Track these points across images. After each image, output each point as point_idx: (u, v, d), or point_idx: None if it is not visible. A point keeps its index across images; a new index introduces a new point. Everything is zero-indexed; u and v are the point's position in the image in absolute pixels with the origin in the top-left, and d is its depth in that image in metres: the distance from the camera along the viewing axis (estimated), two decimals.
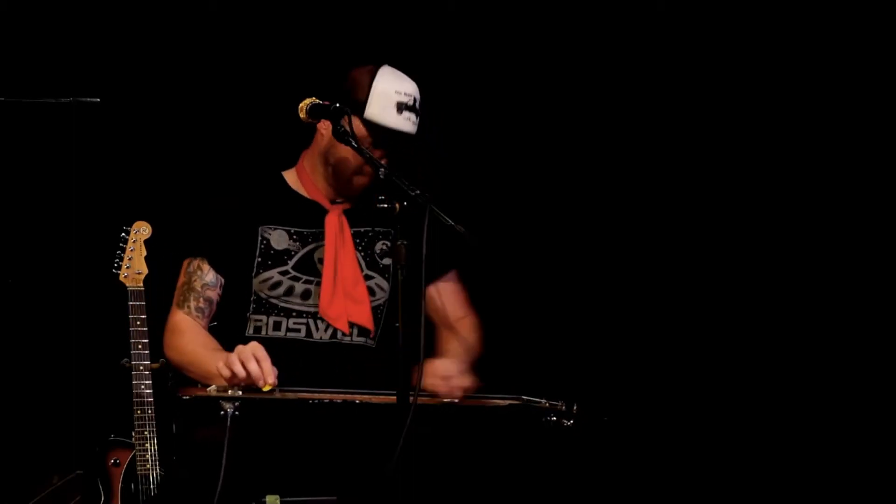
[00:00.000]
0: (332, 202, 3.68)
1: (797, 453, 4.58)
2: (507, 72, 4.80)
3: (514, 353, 4.57)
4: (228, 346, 3.47)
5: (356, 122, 3.53)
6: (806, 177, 4.67)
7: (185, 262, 3.66)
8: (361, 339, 3.60)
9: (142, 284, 4.12)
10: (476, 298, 4.67)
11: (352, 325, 3.60)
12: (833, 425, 4.57)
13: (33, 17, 4.52)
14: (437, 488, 3.17)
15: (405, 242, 3.05)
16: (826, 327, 4.62)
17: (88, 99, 3.44)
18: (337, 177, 3.63)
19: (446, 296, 3.78)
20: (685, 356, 4.69)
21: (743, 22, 4.69)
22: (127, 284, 4.12)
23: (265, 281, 3.58)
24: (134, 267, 4.13)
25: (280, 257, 3.60)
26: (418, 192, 3.12)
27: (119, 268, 4.13)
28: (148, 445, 4.05)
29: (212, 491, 3.05)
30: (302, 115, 3.49)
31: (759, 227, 4.70)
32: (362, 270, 3.64)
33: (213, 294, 3.61)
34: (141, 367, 4.06)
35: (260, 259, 3.59)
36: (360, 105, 3.58)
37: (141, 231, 4.17)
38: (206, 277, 3.61)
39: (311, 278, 3.61)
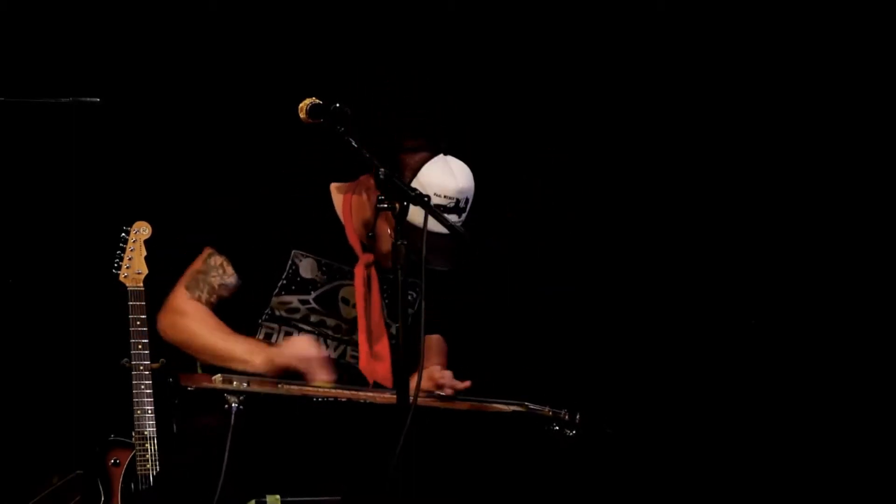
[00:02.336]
0: (364, 250, 3.60)
1: (801, 467, 4.57)
2: (506, 72, 4.80)
3: (519, 361, 4.57)
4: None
5: (385, 205, 3.29)
6: (806, 177, 4.67)
7: (207, 252, 3.56)
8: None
9: (142, 284, 4.12)
10: (478, 306, 4.69)
11: (354, 341, 3.56)
12: (839, 443, 4.55)
13: (33, 17, 4.52)
14: (439, 491, 3.16)
15: (405, 242, 3.04)
16: (825, 327, 4.61)
17: (88, 99, 3.43)
18: (370, 242, 3.56)
19: (428, 347, 3.72)
20: (690, 371, 4.68)
21: (743, 21, 4.69)
22: (127, 284, 4.12)
23: (284, 303, 3.55)
24: (134, 267, 4.13)
25: (305, 286, 3.56)
26: (418, 192, 3.12)
27: (119, 268, 4.14)
28: (148, 445, 4.05)
29: (212, 482, 3.04)
30: (302, 115, 3.47)
31: (759, 239, 4.70)
32: (384, 319, 3.60)
33: (226, 294, 3.56)
34: (141, 367, 4.06)
35: (285, 282, 3.54)
36: (396, 172, 3.35)
37: (141, 231, 4.17)
38: (226, 279, 3.55)
39: (330, 314, 3.58)
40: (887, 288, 4.59)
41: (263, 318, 3.57)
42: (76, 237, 4.54)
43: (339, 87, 3.70)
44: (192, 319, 3.51)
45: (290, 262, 3.56)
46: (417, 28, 4.75)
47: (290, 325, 3.56)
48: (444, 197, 3.46)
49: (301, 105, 3.46)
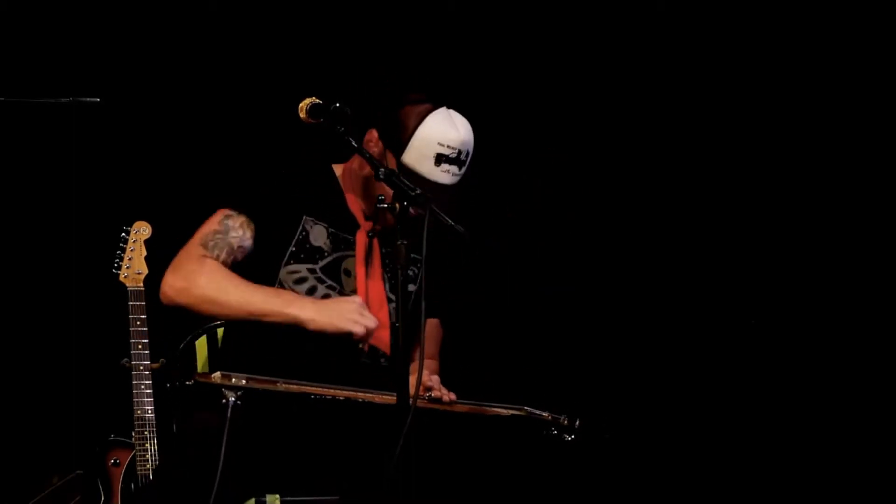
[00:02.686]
0: (366, 218, 3.60)
1: (801, 472, 4.56)
2: (505, 72, 4.80)
3: (517, 365, 4.57)
4: (237, 330, 3.46)
5: (391, 160, 3.46)
6: (806, 177, 4.67)
7: (223, 213, 3.48)
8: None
9: (142, 284, 4.12)
10: (477, 310, 4.69)
11: (372, 347, 3.55)
12: (840, 446, 4.55)
13: (33, 17, 4.52)
14: (437, 494, 3.16)
15: (405, 242, 3.04)
16: (825, 328, 4.61)
17: (88, 99, 3.43)
18: (370, 205, 3.55)
19: (428, 331, 3.72)
20: (690, 376, 4.68)
21: (743, 21, 4.69)
22: (127, 284, 4.13)
23: (292, 273, 3.52)
24: (134, 267, 4.13)
25: (312, 255, 3.54)
26: (418, 191, 3.12)
27: (119, 268, 4.14)
28: (148, 445, 4.06)
29: (210, 479, 3.03)
30: (302, 114, 3.47)
31: (759, 230, 4.70)
32: (386, 291, 3.60)
33: (241, 258, 3.47)
34: (141, 367, 4.06)
35: (294, 249, 3.52)
36: (399, 146, 3.46)
37: (141, 231, 4.17)
38: (245, 242, 3.47)
39: (334, 285, 3.57)
40: (887, 288, 4.59)
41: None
42: (76, 237, 4.54)
43: (339, 88, 3.70)
44: (215, 274, 3.41)
45: (300, 227, 3.54)
46: (416, 28, 4.75)
47: None
48: (448, 147, 3.46)
49: (301, 105, 3.46)
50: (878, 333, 4.58)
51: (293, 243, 3.52)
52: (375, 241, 3.56)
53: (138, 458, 4.08)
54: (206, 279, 3.41)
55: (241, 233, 3.49)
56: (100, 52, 4.53)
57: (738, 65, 4.71)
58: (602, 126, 4.80)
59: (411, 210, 3.11)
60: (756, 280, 4.70)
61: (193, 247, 3.46)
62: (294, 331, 3.38)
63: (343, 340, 3.36)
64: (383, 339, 3.48)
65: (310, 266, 3.53)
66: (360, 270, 3.52)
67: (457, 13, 4.77)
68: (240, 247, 3.48)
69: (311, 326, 3.31)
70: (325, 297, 3.49)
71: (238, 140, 4.57)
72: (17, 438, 4.49)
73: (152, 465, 4.06)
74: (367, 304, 3.46)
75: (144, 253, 4.15)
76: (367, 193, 3.53)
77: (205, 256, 3.44)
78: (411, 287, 3.57)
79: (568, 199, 4.82)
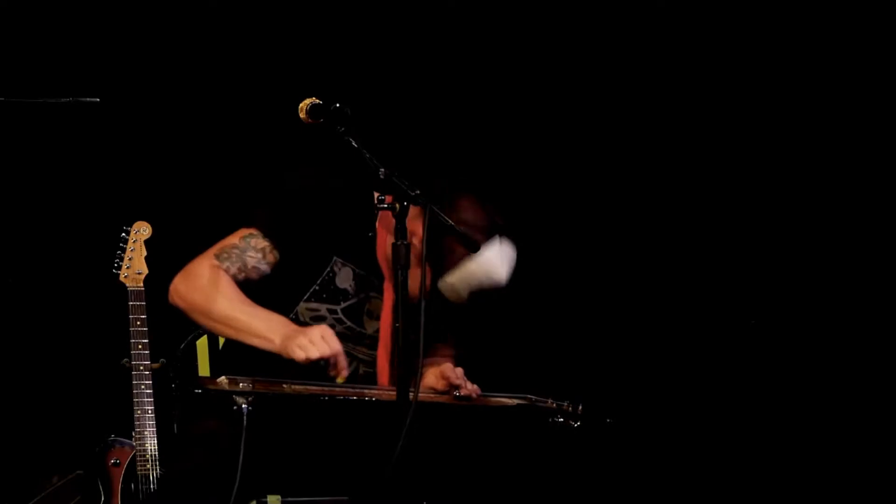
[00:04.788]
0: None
1: (798, 453, 4.58)
2: (501, 70, 4.80)
3: (520, 353, 4.57)
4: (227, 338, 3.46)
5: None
6: (806, 177, 4.67)
7: (248, 231, 3.46)
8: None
9: (142, 284, 4.12)
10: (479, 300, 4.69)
11: (370, 357, 3.54)
12: (833, 425, 4.56)
13: (33, 16, 4.52)
14: (444, 486, 3.16)
15: (405, 242, 3.04)
16: (826, 327, 4.62)
17: (88, 99, 3.43)
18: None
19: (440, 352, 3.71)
20: (688, 358, 4.69)
21: (741, 21, 4.69)
22: (127, 284, 4.12)
23: (311, 310, 3.50)
24: (134, 267, 4.13)
25: (335, 296, 3.52)
26: (418, 192, 3.12)
27: (119, 268, 4.13)
28: (148, 445, 4.05)
29: (218, 486, 3.03)
30: (302, 115, 3.46)
31: (760, 228, 4.70)
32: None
33: (254, 278, 3.45)
34: (141, 367, 4.06)
35: (318, 288, 3.50)
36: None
37: (141, 231, 4.17)
38: (262, 264, 3.45)
39: (353, 327, 3.56)
40: (887, 288, 4.59)
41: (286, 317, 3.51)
42: (76, 237, 4.54)
43: (339, 88, 3.70)
44: (214, 285, 3.39)
45: (328, 268, 3.52)
46: (413, 31, 4.75)
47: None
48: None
49: (301, 105, 3.46)
50: (878, 333, 4.58)
51: (318, 282, 3.51)
52: None
53: (138, 458, 4.07)
54: (203, 287, 3.41)
55: (259, 255, 3.46)
56: (100, 52, 4.53)
57: (737, 64, 4.71)
58: (603, 126, 4.80)
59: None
60: (757, 277, 4.71)
61: (207, 255, 3.46)
62: None
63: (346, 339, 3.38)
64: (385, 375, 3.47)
65: (330, 307, 3.52)
66: (385, 319, 3.49)
67: (457, 10, 4.77)
68: (254, 267, 3.47)
69: (276, 352, 3.29)
70: (343, 335, 3.43)
71: (269, 155, 4.54)
72: (17, 438, 4.49)
73: (152, 465, 4.06)
74: (386, 350, 3.43)
75: (144, 253, 4.15)
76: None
77: (215, 266, 3.43)
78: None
79: (573, 194, 4.82)
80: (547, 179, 4.84)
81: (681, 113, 4.75)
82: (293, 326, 3.34)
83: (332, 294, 3.51)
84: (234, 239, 3.47)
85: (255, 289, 3.46)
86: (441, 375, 3.42)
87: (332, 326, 3.43)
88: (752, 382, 4.64)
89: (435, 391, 3.40)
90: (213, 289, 3.40)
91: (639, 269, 4.77)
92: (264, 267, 3.47)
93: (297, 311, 3.51)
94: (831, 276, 4.64)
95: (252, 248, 3.46)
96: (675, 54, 4.74)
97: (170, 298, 3.47)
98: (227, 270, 3.43)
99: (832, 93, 4.63)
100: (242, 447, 3.01)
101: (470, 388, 3.36)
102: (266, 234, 3.47)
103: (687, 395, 4.67)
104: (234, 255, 3.45)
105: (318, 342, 3.22)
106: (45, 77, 4.40)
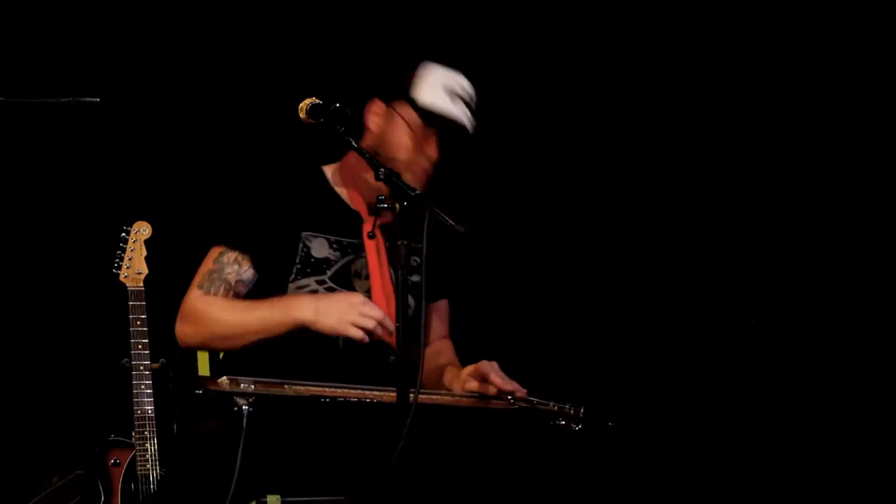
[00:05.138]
0: (371, 213, 3.59)
1: (800, 457, 4.57)
2: (501, 69, 4.80)
3: (520, 355, 4.57)
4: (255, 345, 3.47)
5: (406, 109, 3.50)
6: (806, 177, 4.67)
7: (218, 251, 3.51)
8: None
9: (142, 284, 4.12)
10: (480, 301, 4.69)
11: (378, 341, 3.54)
12: (834, 430, 4.56)
13: (33, 16, 4.52)
14: (445, 489, 3.16)
15: (405, 242, 3.04)
16: (826, 327, 4.61)
17: (88, 99, 3.43)
18: (396, 164, 3.53)
19: (437, 313, 3.74)
20: (690, 360, 4.69)
21: (744, 20, 4.69)
22: (127, 284, 4.12)
23: (301, 288, 3.51)
24: (134, 267, 4.13)
25: (319, 266, 3.54)
26: (418, 191, 3.12)
27: (119, 268, 4.14)
28: (148, 445, 4.06)
29: (219, 487, 3.03)
30: (302, 115, 3.47)
31: (760, 228, 4.70)
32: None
33: (243, 291, 3.50)
34: (141, 367, 4.06)
35: (299, 265, 3.52)
36: (411, 88, 3.51)
37: (141, 231, 4.17)
38: (243, 274, 3.49)
39: (346, 291, 3.57)
40: (887, 288, 4.59)
41: None
42: (76, 237, 4.54)
43: (338, 88, 3.70)
44: (210, 310, 3.43)
45: (301, 244, 3.54)
46: (408, 28, 4.75)
47: None
48: (456, 83, 3.56)
49: (301, 105, 3.47)
50: (878, 333, 4.58)
51: (297, 261, 3.52)
52: (381, 240, 3.55)
53: (138, 458, 4.07)
54: (202, 318, 3.44)
55: (236, 267, 3.50)
56: (100, 52, 4.53)
57: (737, 64, 4.71)
58: (604, 125, 4.80)
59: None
60: (758, 280, 4.71)
61: (192, 291, 3.49)
62: (296, 332, 3.39)
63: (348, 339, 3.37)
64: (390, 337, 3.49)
65: (318, 278, 3.53)
66: (374, 273, 3.52)
67: (457, 9, 4.77)
68: (238, 281, 3.50)
69: (316, 328, 3.31)
70: None
71: (230, 158, 4.56)
72: (17, 438, 4.49)
73: (152, 465, 4.06)
74: (385, 302, 3.46)
75: (144, 253, 4.15)
76: (369, 186, 3.51)
77: (202, 296, 3.46)
78: (415, 277, 3.56)
79: (574, 194, 4.83)
80: (550, 182, 4.84)
81: (681, 113, 4.75)
82: (311, 297, 3.37)
83: (314, 266, 3.53)
84: (208, 263, 3.51)
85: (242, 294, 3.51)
86: (479, 373, 3.41)
87: None
88: (754, 384, 4.63)
89: (481, 395, 3.40)
90: (212, 313, 3.44)
91: (640, 271, 4.77)
92: (247, 275, 3.51)
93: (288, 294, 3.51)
94: (831, 276, 4.64)
95: (227, 265, 3.50)
96: (674, 54, 4.74)
97: (181, 343, 3.49)
98: (214, 295, 3.47)
99: (832, 93, 4.63)
100: (241, 448, 3.01)
101: (514, 387, 3.37)
102: (232, 246, 3.50)
103: (689, 397, 4.66)
104: (215, 279, 3.49)
105: (367, 312, 3.25)
106: (45, 77, 4.40)
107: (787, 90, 4.67)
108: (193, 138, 4.66)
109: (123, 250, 4.14)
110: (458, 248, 3.64)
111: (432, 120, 3.52)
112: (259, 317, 3.38)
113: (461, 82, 3.57)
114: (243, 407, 3.03)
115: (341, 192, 3.64)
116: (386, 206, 3.09)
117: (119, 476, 4.13)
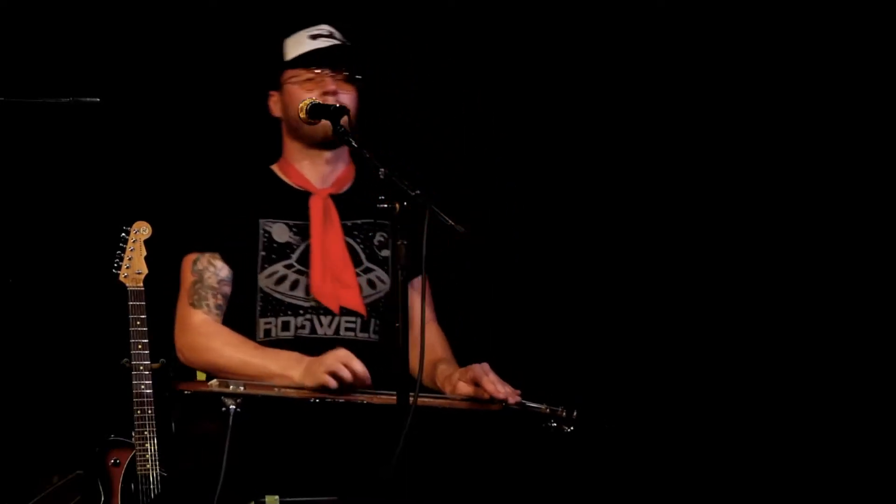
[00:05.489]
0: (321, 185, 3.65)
1: (796, 458, 4.57)
2: (502, 69, 4.80)
3: (513, 357, 4.56)
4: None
5: (285, 75, 3.60)
6: (806, 176, 4.67)
7: (190, 260, 3.56)
8: (365, 335, 3.58)
9: (142, 284, 4.12)
10: (476, 301, 4.69)
11: (345, 310, 3.55)
12: (833, 429, 4.56)
13: (33, 16, 4.52)
14: (435, 493, 3.16)
15: (405, 242, 3.04)
16: (826, 330, 4.61)
17: (88, 99, 3.43)
18: (301, 130, 3.59)
19: (415, 291, 3.73)
20: (686, 362, 4.68)
21: (744, 20, 4.69)
22: (127, 284, 4.13)
23: (271, 276, 3.54)
24: (134, 267, 4.13)
25: (283, 251, 3.57)
26: (418, 192, 3.12)
27: (119, 268, 4.14)
28: (148, 445, 4.06)
29: (212, 487, 3.04)
30: (302, 115, 3.49)
31: (757, 231, 4.69)
32: (363, 263, 3.61)
33: (228, 290, 3.54)
34: (141, 367, 4.06)
35: (264, 253, 3.55)
36: (282, 58, 3.62)
37: (141, 231, 4.17)
38: (220, 273, 3.53)
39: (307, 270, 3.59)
40: (887, 288, 4.59)
41: (258, 311, 3.55)
42: (76, 237, 4.54)
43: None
44: (213, 339, 3.48)
45: (261, 231, 3.56)
46: (400, 28, 4.75)
47: (285, 309, 3.53)
48: (315, 29, 3.67)
49: (301, 105, 3.48)
50: (878, 333, 4.58)
51: (261, 248, 3.54)
52: (331, 205, 3.58)
53: (138, 458, 4.08)
54: (204, 344, 3.48)
55: (212, 269, 3.54)
56: (100, 52, 4.53)
57: (736, 64, 4.70)
58: (606, 124, 4.80)
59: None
60: (754, 280, 4.71)
61: (184, 308, 3.53)
62: (304, 341, 3.46)
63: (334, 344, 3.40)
64: (353, 300, 3.52)
65: (285, 262, 3.56)
66: (314, 235, 3.54)
67: (456, 9, 4.77)
68: (220, 281, 3.54)
69: (303, 382, 3.32)
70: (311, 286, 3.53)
71: (223, 157, 4.58)
72: (17, 438, 4.49)
73: (152, 465, 4.06)
74: (326, 266, 3.50)
75: (144, 253, 4.15)
76: (302, 149, 3.61)
77: (197, 312, 3.51)
78: (385, 253, 3.59)
79: (569, 193, 4.82)
80: (550, 182, 4.83)
81: (681, 113, 4.75)
82: (307, 357, 3.38)
83: (279, 251, 3.55)
84: (187, 275, 3.55)
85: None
86: (471, 378, 3.42)
87: (296, 281, 3.53)
88: (750, 385, 4.63)
89: (474, 399, 3.41)
90: (214, 346, 3.47)
91: (635, 270, 4.77)
92: (224, 273, 3.55)
93: (260, 288, 3.53)
94: (831, 276, 4.64)
95: (204, 270, 3.54)
96: (674, 54, 4.74)
97: (181, 360, 3.54)
98: (208, 312, 3.52)
99: (832, 93, 4.62)
100: (227, 449, 3.02)
101: (507, 391, 3.37)
102: (201, 249, 3.55)
103: (685, 399, 4.66)
104: (200, 290, 3.53)
105: (344, 359, 3.26)
106: (45, 77, 4.40)
107: (786, 90, 4.67)
108: (194, 139, 4.66)
109: (123, 250, 4.14)
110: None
111: (305, 60, 3.58)
112: (258, 365, 3.40)
113: (321, 27, 3.66)
114: (230, 407, 3.04)
115: (288, 179, 3.67)
116: (386, 206, 3.10)
117: (119, 476, 4.14)
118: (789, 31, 4.65)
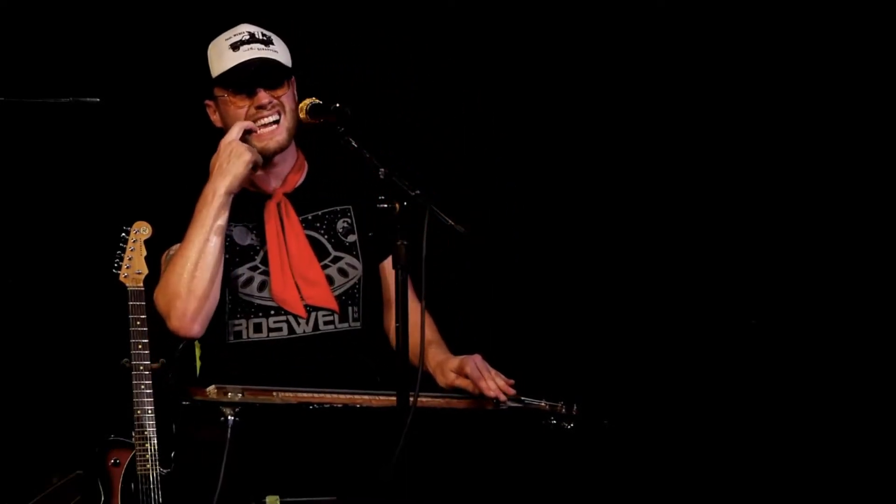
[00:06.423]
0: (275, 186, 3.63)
1: (796, 457, 4.57)
2: (502, 69, 4.80)
3: (513, 353, 4.56)
4: (210, 357, 3.52)
5: (218, 94, 3.60)
6: (806, 176, 4.67)
7: (164, 256, 3.58)
8: (345, 325, 3.55)
9: (142, 284, 4.12)
10: (476, 298, 4.69)
11: (312, 308, 3.53)
12: (832, 429, 4.56)
13: (33, 16, 4.52)
14: (436, 491, 3.16)
15: (405, 242, 3.04)
16: (826, 327, 4.61)
17: (88, 99, 3.43)
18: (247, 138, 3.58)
19: (389, 273, 3.71)
20: (688, 358, 4.69)
21: (744, 20, 4.69)
22: (127, 284, 4.12)
23: (237, 278, 3.53)
24: (134, 267, 4.13)
25: (247, 253, 3.55)
26: (418, 192, 3.11)
27: (119, 268, 4.13)
28: (148, 445, 4.05)
29: (212, 490, 3.04)
30: (302, 115, 3.48)
31: (760, 227, 4.70)
32: (330, 253, 3.59)
33: None
34: (141, 367, 4.06)
35: (228, 256, 3.53)
36: (210, 76, 3.61)
37: (141, 231, 4.17)
38: None
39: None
40: (887, 288, 4.59)
41: (227, 312, 3.53)
42: (76, 237, 4.54)
43: (335, 87, 3.71)
44: (163, 277, 3.50)
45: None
46: (417, 26, 4.75)
47: (255, 310, 3.51)
48: (235, 35, 3.64)
49: (301, 105, 3.47)
50: (878, 333, 4.58)
51: (225, 252, 3.52)
52: (287, 205, 3.57)
53: (138, 458, 4.07)
54: (166, 285, 3.47)
55: None
56: (100, 52, 4.53)
57: (736, 64, 4.71)
58: (604, 127, 4.81)
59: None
60: (755, 277, 4.71)
61: (158, 285, 3.55)
62: (281, 343, 3.44)
63: (331, 344, 3.39)
64: (322, 297, 3.50)
65: (250, 265, 3.55)
66: (270, 240, 3.53)
67: (456, 9, 4.77)
68: None
69: (232, 188, 3.42)
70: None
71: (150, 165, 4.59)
72: (17, 438, 4.49)
73: (152, 465, 4.06)
74: (285, 269, 3.50)
75: (144, 253, 4.15)
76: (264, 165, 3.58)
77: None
78: (351, 238, 3.58)
79: (569, 192, 4.83)
80: (549, 182, 4.84)
81: (680, 113, 4.75)
82: (214, 166, 3.51)
83: (242, 254, 3.54)
84: (161, 266, 3.58)
85: None
86: (460, 370, 3.42)
87: (264, 281, 3.52)
88: (752, 384, 4.64)
89: (468, 395, 3.40)
90: (166, 277, 3.48)
91: (636, 267, 4.77)
92: None
93: (228, 290, 3.51)
94: (831, 276, 4.64)
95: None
96: (674, 54, 4.74)
97: (180, 331, 3.49)
98: None
99: (832, 93, 4.63)
100: (225, 459, 3.01)
101: (502, 385, 3.36)
102: (172, 242, 3.54)
103: (686, 396, 4.66)
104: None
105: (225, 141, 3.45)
106: (45, 77, 4.40)
107: (786, 90, 4.68)
108: (194, 139, 4.65)
109: (123, 250, 4.14)
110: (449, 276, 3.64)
111: (231, 79, 3.56)
112: (195, 224, 3.43)
113: (241, 31, 3.62)
114: (229, 417, 3.03)
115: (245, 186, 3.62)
116: (386, 206, 3.09)
117: (119, 476, 4.13)
118: (789, 31, 4.65)
